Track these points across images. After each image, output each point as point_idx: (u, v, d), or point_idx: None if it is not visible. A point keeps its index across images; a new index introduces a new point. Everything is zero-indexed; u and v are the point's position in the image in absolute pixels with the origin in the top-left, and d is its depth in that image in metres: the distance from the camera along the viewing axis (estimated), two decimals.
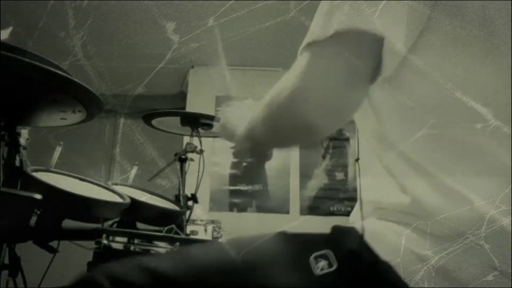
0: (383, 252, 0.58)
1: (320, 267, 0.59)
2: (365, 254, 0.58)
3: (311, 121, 0.58)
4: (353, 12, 0.55)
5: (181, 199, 1.62)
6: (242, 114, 0.76)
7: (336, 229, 0.66)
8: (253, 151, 0.76)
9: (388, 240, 0.59)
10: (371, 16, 0.54)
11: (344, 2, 0.56)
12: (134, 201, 1.31)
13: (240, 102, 0.84)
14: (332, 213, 3.20)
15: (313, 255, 0.60)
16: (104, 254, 1.15)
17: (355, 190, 3.21)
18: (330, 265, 0.59)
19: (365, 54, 0.56)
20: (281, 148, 0.75)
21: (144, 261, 0.63)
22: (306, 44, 0.60)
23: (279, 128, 0.63)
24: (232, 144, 0.80)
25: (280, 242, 0.66)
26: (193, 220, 1.63)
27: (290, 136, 0.64)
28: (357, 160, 0.67)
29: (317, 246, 0.61)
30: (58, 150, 1.26)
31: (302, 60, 0.60)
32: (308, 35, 0.60)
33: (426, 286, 0.54)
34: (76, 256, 1.19)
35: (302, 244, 0.64)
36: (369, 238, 0.59)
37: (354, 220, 0.69)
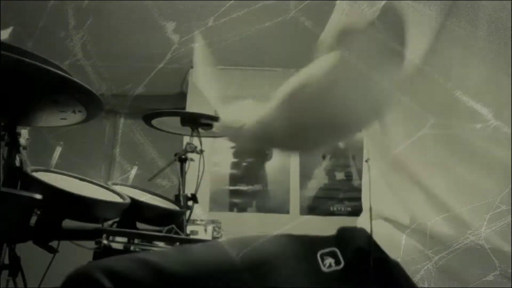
0: (390, 250, 0.58)
1: (327, 264, 0.58)
2: (373, 252, 0.58)
3: (342, 118, 0.54)
4: None
5: (181, 199, 1.62)
6: (245, 111, 0.71)
7: (342, 230, 0.66)
8: (254, 150, 0.73)
9: (394, 238, 0.59)
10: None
11: None
12: (134, 201, 1.31)
13: (240, 101, 0.80)
14: (332, 213, 3.20)
15: (320, 252, 0.59)
16: (104, 254, 1.15)
17: (355, 190, 3.21)
18: (337, 263, 0.59)
19: (397, 34, 0.51)
20: (302, 150, 0.69)
21: (145, 256, 0.61)
22: (335, 33, 0.55)
23: (301, 124, 0.58)
24: (232, 144, 0.77)
25: (285, 242, 0.65)
26: (193, 220, 1.62)
27: (313, 133, 0.58)
28: (367, 160, 0.65)
29: (324, 245, 0.60)
30: (58, 150, 1.26)
31: (332, 52, 0.54)
32: (333, 23, 0.56)
33: (426, 286, 0.54)
34: (76, 256, 1.19)
35: (308, 244, 0.63)
36: (376, 237, 0.59)
37: (362, 222, 0.69)
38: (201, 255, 0.63)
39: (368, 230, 0.59)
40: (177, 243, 1.16)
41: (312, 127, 0.57)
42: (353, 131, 0.59)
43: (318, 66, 0.56)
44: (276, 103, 0.60)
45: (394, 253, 0.57)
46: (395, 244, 0.58)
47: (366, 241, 0.60)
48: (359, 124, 0.58)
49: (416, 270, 0.55)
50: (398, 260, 0.56)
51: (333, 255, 0.59)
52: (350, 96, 0.52)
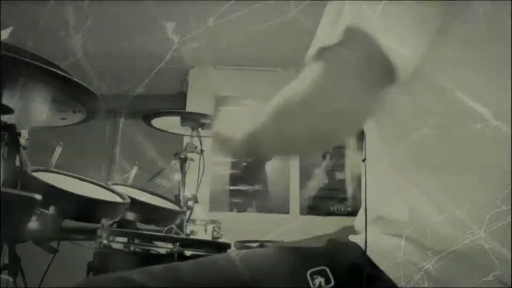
0: (383, 265, 0.58)
1: (317, 284, 0.58)
2: (366, 268, 0.57)
3: (324, 128, 0.56)
4: (361, 15, 0.51)
5: (181, 199, 1.62)
6: (236, 124, 0.71)
7: (333, 243, 0.66)
8: (252, 153, 0.73)
9: (388, 253, 0.59)
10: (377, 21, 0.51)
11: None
12: (134, 201, 1.31)
13: (233, 108, 0.80)
14: (332, 213, 3.20)
15: (309, 271, 0.59)
16: (104, 254, 1.15)
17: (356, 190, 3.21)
18: (327, 282, 0.58)
19: (376, 58, 0.51)
20: (288, 155, 0.72)
21: (131, 275, 0.62)
22: (317, 50, 0.56)
23: (289, 136, 0.60)
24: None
25: (277, 256, 0.65)
26: (193, 220, 1.62)
27: (301, 144, 0.61)
28: (363, 160, 0.65)
29: (314, 262, 0.60)
30: (58, 150, 1.25)
31: (314, 66, 0.56)
32: (317, 40, 0.57)
33: (426, 285, 0.54)
34: (76, 256, 1.19)
35: (298, 261, 0.63)
36: (369, 252, 0.59)
37: (358, 226, 0.69)
38: (189, 274, 0.63)
39: (364, 242, 0.59)
40: (177, 243, 1.16)
41: (300, 138, 0.59)
42: (339, 139, 0.62)
43: (302, 79, 0.58)
44: (266, 116, 0.62)
45: (390, 267, 0.57)
46: (389, 252, 0.58)
47: (358, 256, 0.59)
48: (344, 134, 0.61)
49: (416, 281, 0.55)
50: (399, 274, 0.56)
51: (323, 273, 0.59)
52: (335, 107, 0.54)
